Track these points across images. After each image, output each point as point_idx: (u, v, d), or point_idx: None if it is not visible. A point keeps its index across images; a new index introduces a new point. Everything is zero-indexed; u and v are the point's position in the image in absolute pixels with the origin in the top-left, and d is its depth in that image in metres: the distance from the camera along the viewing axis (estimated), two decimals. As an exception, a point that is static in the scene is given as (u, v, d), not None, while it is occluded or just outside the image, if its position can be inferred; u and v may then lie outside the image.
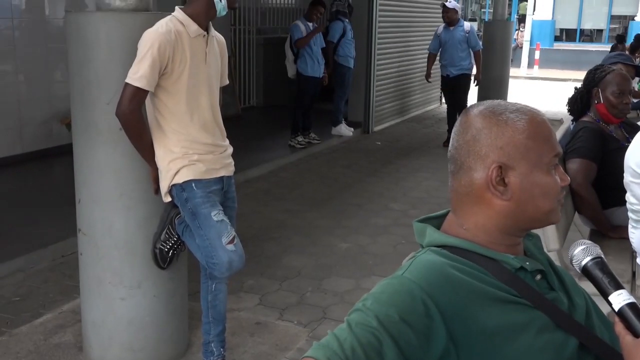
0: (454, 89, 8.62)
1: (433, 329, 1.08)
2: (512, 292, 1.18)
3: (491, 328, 1.12)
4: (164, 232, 2.98)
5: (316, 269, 4.39)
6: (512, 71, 11.94)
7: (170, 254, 2.99)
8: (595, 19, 26.27)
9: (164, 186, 2.83)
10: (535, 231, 1.33)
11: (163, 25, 2.66)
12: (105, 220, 2.98)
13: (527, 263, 1.24)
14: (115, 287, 3.02)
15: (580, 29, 26.87)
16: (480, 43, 9.00)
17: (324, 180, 6.90)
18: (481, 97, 11.25)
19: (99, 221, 2.99)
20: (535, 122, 1.23)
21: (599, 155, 3.25)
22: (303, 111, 8.00)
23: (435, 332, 1.08)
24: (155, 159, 2.82)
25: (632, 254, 3.02)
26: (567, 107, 3.54)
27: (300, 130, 8.07)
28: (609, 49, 11.39)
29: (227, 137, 3.01)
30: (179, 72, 2.70)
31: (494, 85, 10.93)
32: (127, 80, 2.63)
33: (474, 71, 8.87)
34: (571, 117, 3.55)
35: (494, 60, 11.07)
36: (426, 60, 9.19)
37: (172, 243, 2.98)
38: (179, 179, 2.78)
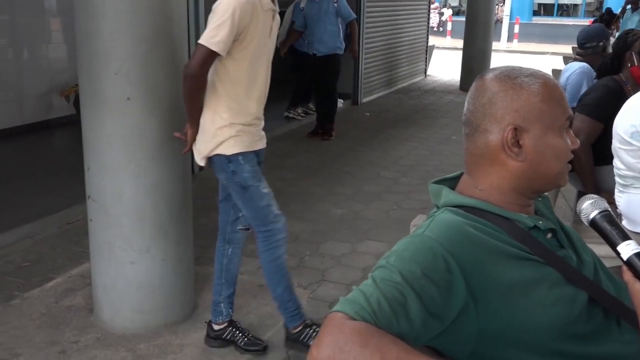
0: (322, 70, 7.22)
1: (453, 283, 1.12)
2: (525, 249, 1.23)
3: (507, 283, 1.17)
4: None
5: (313, 234, 4.53)
6: (493, 44, 12.06)
7: None
8: (572, -6, 26.47)
9: (203, 150, 2.79)
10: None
11: None
12: (114, 187, 3.04)
13: (540, 222, 1.30)
14: (125, 251, 3.09)
15: (558, 4, 27.03)
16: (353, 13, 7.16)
17: (316, 149, 7.01)
18: (465, 69, 11.36)
19: (108, 189, 3.05)
20: (549, 85, 1.28)
21: (607, 115, 3.24)
22: (306, 85, 8.06)
23: (455, 286, 1.12)
24: (201, 120, 2.79)
25: (618, 217, 3.12)
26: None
27: (300, 102, 8.15)
28: (587, 23, 11.46)
29: None
30: (248, 42, 2.69)
31: (477, 58, 11.04)
32: (202, 42, 2.58)
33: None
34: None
35: (477, 33, 11.17)
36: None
37: None
38: (226, 150, 2.77)
